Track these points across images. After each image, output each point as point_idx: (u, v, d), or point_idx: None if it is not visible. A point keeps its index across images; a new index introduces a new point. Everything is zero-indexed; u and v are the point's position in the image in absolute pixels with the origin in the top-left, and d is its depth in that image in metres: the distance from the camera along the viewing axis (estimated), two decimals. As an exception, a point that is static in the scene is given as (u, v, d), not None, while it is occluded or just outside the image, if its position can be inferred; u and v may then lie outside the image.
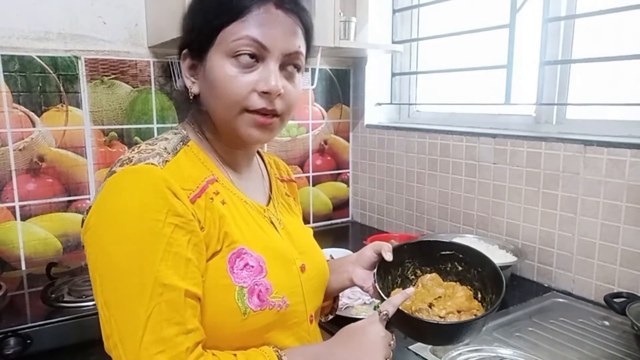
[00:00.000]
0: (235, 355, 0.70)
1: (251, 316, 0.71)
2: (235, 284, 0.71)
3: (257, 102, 0.72)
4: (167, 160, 0.71)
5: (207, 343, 0.69)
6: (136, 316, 0.62)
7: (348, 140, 2.29)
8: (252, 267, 0.73)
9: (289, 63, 0.75)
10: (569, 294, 1.43)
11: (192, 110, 0.82)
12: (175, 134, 0.79)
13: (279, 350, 0.73)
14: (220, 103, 0.73)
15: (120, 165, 0.69)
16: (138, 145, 0.74)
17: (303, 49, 0.77)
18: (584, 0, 1.49)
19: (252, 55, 0.71)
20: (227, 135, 0.78)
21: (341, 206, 2.32)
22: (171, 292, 0.64)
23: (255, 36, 0.71)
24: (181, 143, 0.77)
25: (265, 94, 0.72)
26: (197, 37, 0.75)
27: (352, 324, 0.78)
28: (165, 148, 0.73)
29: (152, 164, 0.68)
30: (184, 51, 0.77)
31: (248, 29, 0.71)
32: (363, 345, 0.74)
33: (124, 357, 0.62)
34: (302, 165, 2.17)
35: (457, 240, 1.61)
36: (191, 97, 0.78)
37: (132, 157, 0.69)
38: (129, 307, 0.63)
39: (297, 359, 0.73)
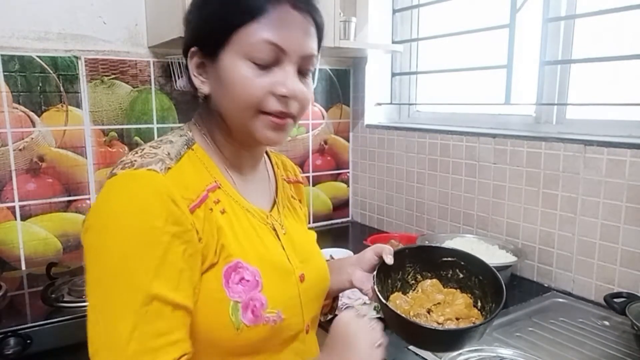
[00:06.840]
0: None
1: (245, 331, 0.70)
2: (230, 298, 0.69)
3: (274, 105, 0.72)
4: (169, 167, 0.69)
5: (199, 355, 0.68)
6: (124, 323, 0.60)
7: (348, 140, 2.29)
8: (248, 281, 0.72)
9: (304, 65, 0.74)
10: (569, 294, 1.43)
11: (200, 110, 0.80)
12: (181, 136, 0.77)
13: None
14: (235, 105, 0.72)
15: (121, 168, 0.67)
16: (142, 148, 0.72)
17: (316, 51, 0.75)
18: (584, 0, 1.49)
19: (269, 58, 0.70)
20: (240, 136, 0.77)
21: (341, 206, 2.32)
22: (161, 303, 0.62)
23: (274, 39, 0.69)
24: (185, 147, 0.75)
25: (282, 97, 0.71)
26: (210, 36, 0.72)
27: (342, 329, 0.76)
28: (169, 153, 0.72)
29: (154, 170, 0.67)
30: (193, 49, 0.74)
31: (265, 31, 0.69)
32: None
33: None
34: (302, 165, 2.17)
35: (457, 240, 1.61)
36: (201, 98, 0.76)
37: (135, 160, 0.68)
38: (117, 313, 0.61)
39: None
